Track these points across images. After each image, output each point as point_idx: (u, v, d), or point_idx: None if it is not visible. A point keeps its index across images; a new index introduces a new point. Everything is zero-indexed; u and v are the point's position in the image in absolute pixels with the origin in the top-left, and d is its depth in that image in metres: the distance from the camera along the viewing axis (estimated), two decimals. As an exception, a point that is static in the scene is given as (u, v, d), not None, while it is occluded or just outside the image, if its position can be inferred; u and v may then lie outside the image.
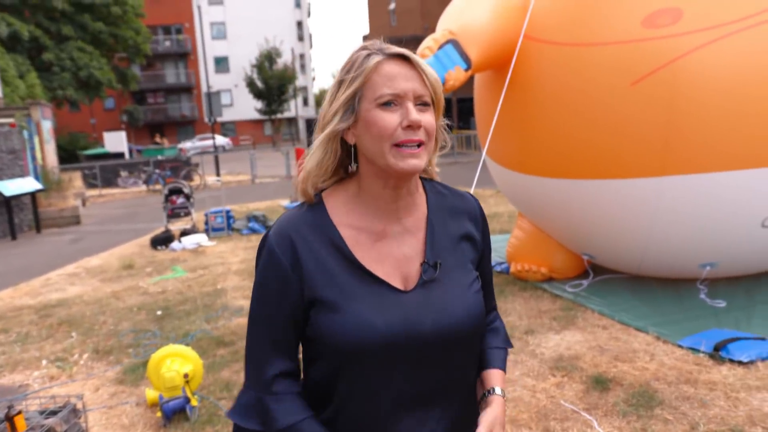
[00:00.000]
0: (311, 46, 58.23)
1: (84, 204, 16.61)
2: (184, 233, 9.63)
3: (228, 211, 10.24)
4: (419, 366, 1.16)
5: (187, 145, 38.75)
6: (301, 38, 55.55)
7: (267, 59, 44.95)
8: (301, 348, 1.24)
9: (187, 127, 50.32)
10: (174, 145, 37.21)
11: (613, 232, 4.87)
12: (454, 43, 4.46)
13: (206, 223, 10.11)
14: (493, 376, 1.31)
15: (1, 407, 3.08)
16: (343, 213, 1.20)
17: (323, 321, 1.14)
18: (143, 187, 20.43)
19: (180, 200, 10.27)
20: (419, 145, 1.13)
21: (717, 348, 3.96)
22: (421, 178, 1.29)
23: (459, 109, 32.39)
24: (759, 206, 4.32)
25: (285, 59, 46.43)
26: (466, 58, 4.50)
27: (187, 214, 10.31)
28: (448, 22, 4.75)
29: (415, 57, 1.16)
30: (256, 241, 9.34)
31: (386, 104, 1.13)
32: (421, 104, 1.15)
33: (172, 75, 50.80)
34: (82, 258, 9.16)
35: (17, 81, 19.43)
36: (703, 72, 4.13)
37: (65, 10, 29.00)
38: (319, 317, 1.15)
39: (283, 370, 1.19)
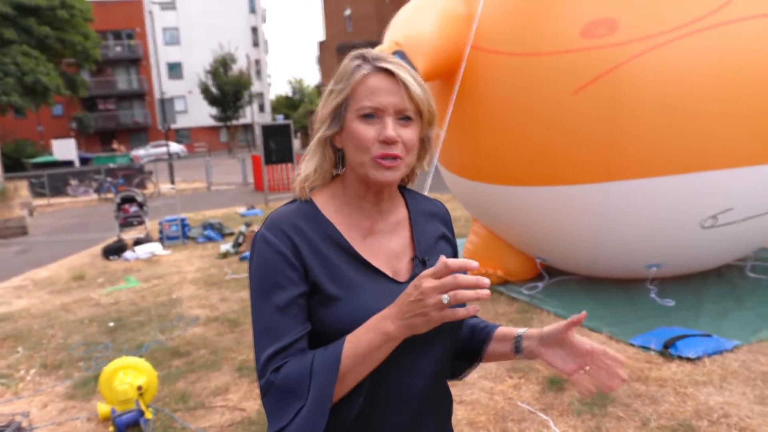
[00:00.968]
0: (267, 52, 57.84)
1: (31, 214, 16.05)
2: (138, 242, 9.43)
3: (183, 219, 10.06)
4: (415, 353, 1.18)
5: (140, 152, 37.97)
6: (256, 44, 55.15)
7: (222, 65, 44.45)
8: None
9: (140, 134, 49.32)
10: (127, 152, 36.37)
11: (564, 237, 4.99)
12: (401, 54, 4.50)
13: (161, 231, 9.91)
14: (504, 330, 1.36)
15: (-59, 428, 2.95)
16: (332, 211, 1.23)
17: (329, 311, 1.15)
18: (94, 196, 19.88)
19: (133, 209, 10.07)
20: (395, 158, 1.16)
21: (666, 345, 4.09)
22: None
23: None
24: (697, 209, 4.49)
25: (240, 65, 45.99)
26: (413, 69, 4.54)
27: (141, 222, 10.11)
28: (394, 33, 4.80)
29: (401, 72, 1.17)
30: (212, 249, 9.20)
31: (367, 116, 1.16)
32: (403, 118, 1.17)
33: (123, 81, 49.74)
34: (30, 270, 8.84)
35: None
36: (641, 80, 4.25)
37: (7, 14, 28.05)
38: (324, 307, 1.15)
39: (297, 337, 1.14)
